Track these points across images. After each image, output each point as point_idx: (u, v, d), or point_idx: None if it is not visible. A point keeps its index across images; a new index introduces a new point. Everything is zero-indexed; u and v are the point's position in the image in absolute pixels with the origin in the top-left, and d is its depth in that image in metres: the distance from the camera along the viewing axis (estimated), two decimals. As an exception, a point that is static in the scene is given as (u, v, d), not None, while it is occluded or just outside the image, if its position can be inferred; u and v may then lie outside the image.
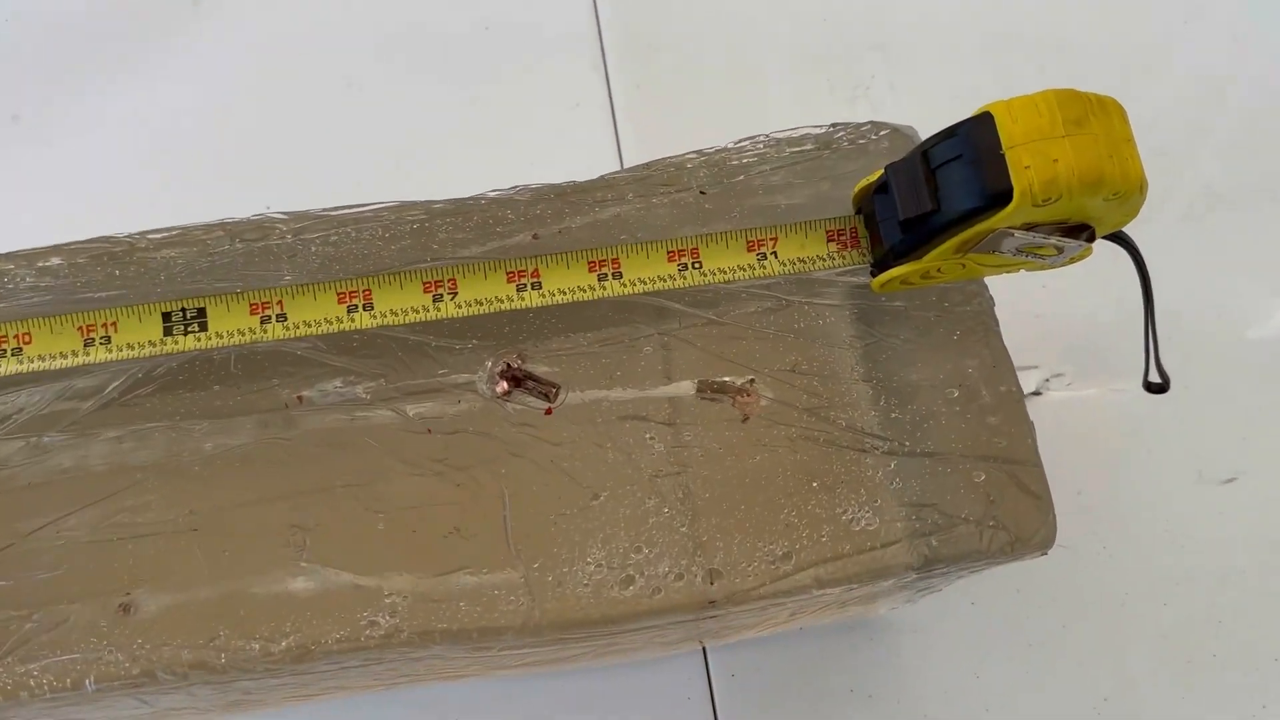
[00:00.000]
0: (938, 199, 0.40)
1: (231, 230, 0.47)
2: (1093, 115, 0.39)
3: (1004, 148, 0.38)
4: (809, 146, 0.49)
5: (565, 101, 0.67)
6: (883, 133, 0.49)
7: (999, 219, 0.39)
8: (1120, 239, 0.45)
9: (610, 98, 0.68)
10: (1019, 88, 0.40)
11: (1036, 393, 0.66)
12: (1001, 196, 0.39)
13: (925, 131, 0.42)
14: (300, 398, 0.45)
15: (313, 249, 0.47)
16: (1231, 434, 0.65)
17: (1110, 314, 0.68)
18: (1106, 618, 0.61)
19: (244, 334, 0.43)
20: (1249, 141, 0.72)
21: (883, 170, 0.42)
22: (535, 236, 0.48)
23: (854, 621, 0.59)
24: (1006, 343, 0.62)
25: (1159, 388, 0.52)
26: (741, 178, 0.49)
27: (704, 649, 0.58)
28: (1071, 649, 0.61)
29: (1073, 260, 0.44)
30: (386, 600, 0.43)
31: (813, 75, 0.71)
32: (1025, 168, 0.38)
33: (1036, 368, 0.67)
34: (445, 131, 0.66)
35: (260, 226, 0.47)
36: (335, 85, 0.67)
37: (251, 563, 0.43)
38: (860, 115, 0.71)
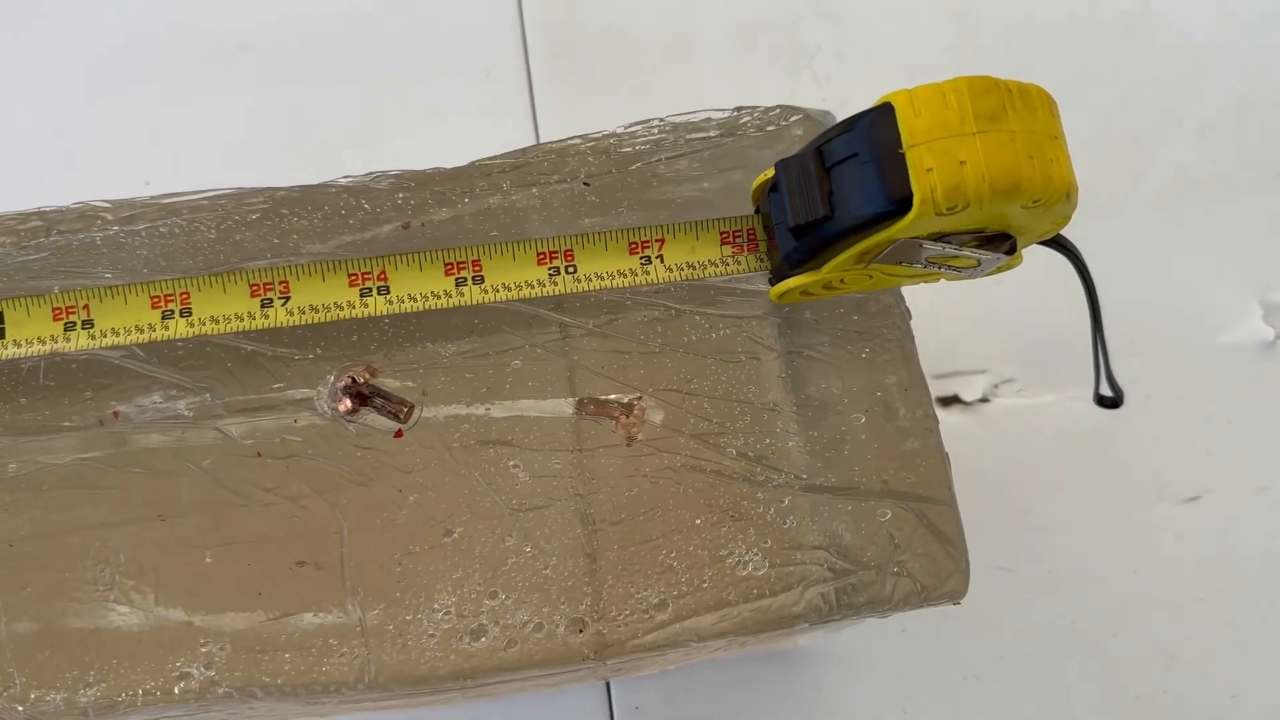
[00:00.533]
0: (831, 203, 0.35)
1: (50, 219, 0.42)
2: (1011, 108, 0.33)
3: (904, 146, 0.33)
4: (712, 133, 0.43)
5: (474, 69, 0.61)
6: (794, 118, 0.43)
7: (898, 228, 0.33)
8: (1057, 244, 0.40)
9: (527, 65, 0.62)
10: (981, 64, 0.34)
11: (984, 399, 0.60)
12: (900, 203, 0.33)
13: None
14: (116, 414, 0.40)
15: (139, 242, 0.41)
16: (1196, 448, 0.60)
17: (1070, 313, 0.62)
18: (1050, 648, 0.56)
19: (44, 342, 0.38)
20: (1229, 123, 0.66)
21: (774, 167, 0.37)
22: (406, 225, 0.42)
23: (771, 651, 0.54)
24: (953, 342, 0.57)
25: (1110, 402, 0.47)
26: (636, 166, 0.43)
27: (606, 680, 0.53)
28: (1010, 682, 0.56)
29: (999, 270, 0.39)
30: (202, 650, 0.37)
31: (753, 44, 0.65)
32: (927, 170, 0.32)
33: (984, 372, 0.61)
34: (333, 101, 0.60)
35: (83, 215, 0.42)
36: (227, 50, 0.61)
37: (55, 600, 0.38)
38: (804, 90, 0.65)
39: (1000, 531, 0.58)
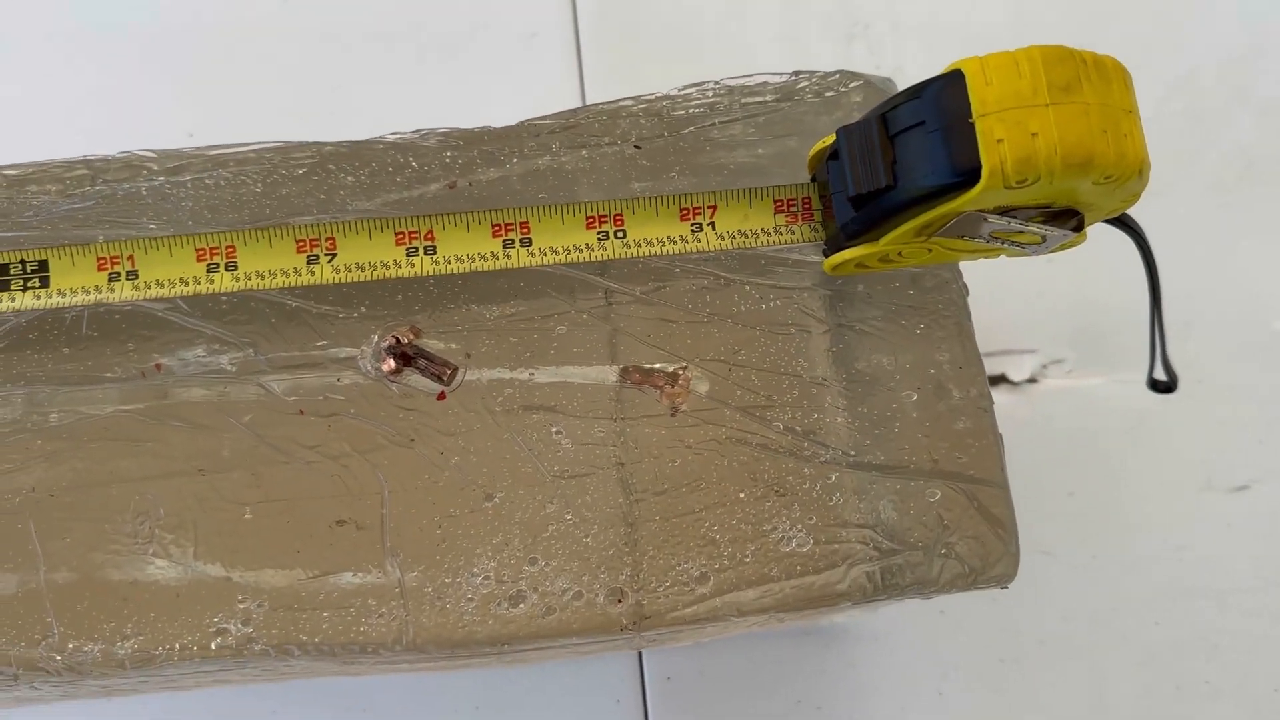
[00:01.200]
0: (894, 173, 0.34)
1: (95, 168, 0.41)
2: (1085, 79, 0.31)
3: (974, 115, 0.31)
4: (768, 97, 0.42)
5: (519, 29, 0.60)
6: (854, 84, 0.42)
7: (964, 201, 0.32)
8: (1122, 223, 0.38)
9: (576, 26, 0.61)
10: (1040, 36, 0.33)
11: (1032, 379, 0.59)
12: (968, 174, 0.32)
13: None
14: (159, 366, 0.39)
15: (184, 194, 0.41)
16: (1248, 437, 0.58)
17: (1123, 295, 0.60)
18: (1090, 634, 0.55)
19: (89, 292, 0.38)
20: (1296, 103, 0.64)
21: (835, 134, 0.36)
22: (452, 185, 0.41)
23: (807, 626, 0.53)
24: (1003, 321, 0.56)
25: (1165, 387, 0.45)
26: (689, 130, 0.42)
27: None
28: (1048, 667, 0.55)
29: (1062, 248, 0.37)
30: (240, 605, 0.37)
31: (806, 11, 0.63)
32: (997, 141, 0.31)
33: (1034, 351, 0.60)
34: (376, 61, 0.59)
35: (128, 165, 0.41)
36: (271, 6, 0.61)
37: (94, 552, 0.38)
38: (856, 58, 0.63)
39: (1043, 515, 0.57)
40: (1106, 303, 0.60)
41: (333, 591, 0.37)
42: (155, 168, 0.41)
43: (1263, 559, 0.56)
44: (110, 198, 0.41)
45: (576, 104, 0.60)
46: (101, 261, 0.38)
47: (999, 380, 0.59)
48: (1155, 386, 0.46)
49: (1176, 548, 0.57)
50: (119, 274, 0.38)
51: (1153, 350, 0.44)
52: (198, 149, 0.41)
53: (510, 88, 0.59)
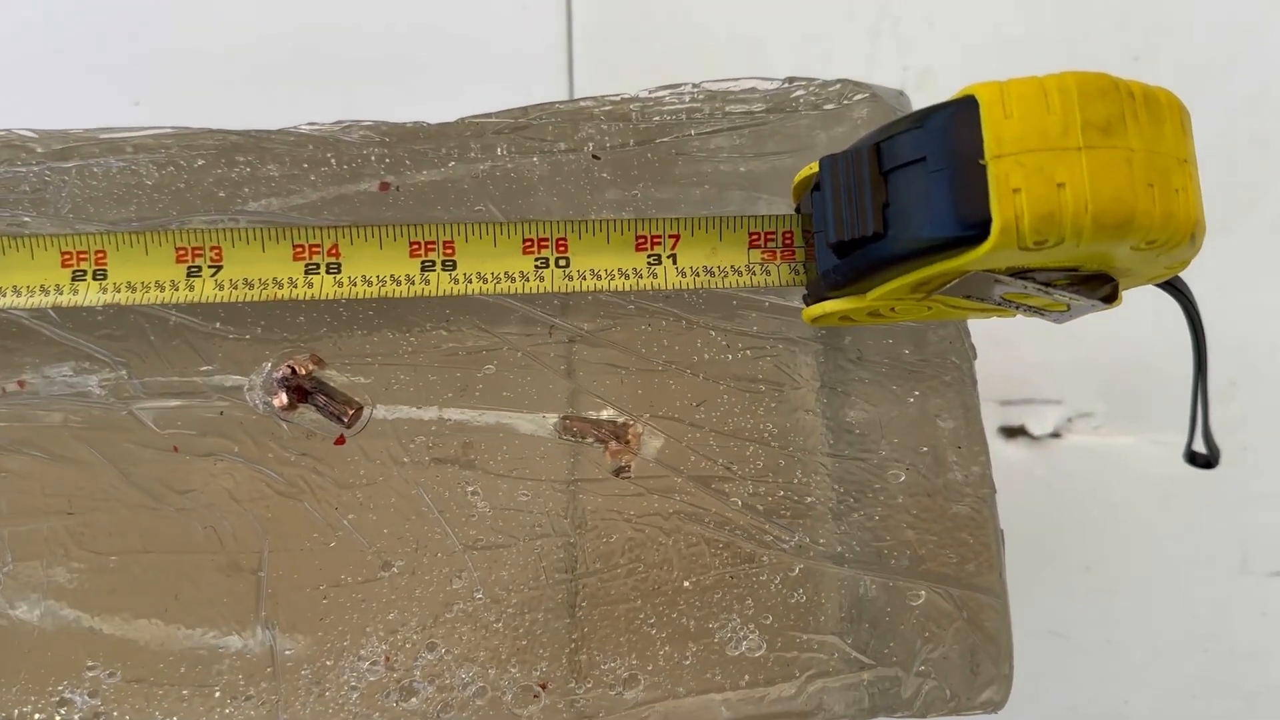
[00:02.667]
0: (885, 218, 0.27)
1: (-32, 146, 0.35)
2: (1131, 118, 0.25)
3: (986, 155, 0.25)
4: (756, 106, 0.36)
5: (509, 6, 0.53)
6: (857, 96, 0.36)
7: (969, 260, 0.26)
8: (1167, 284, 0.32)
9: (569, 10, 0.54)
10: (1092, 44, 0.26)
11: (1055, 434, 0.52)
12: (975, 229, 0.25)
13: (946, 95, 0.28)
14: (21, 383, 0.34)
15: (67, 183, 0.35)
16: (1294, 515, 0.51)
17: (1164, 345, 0.54)
18: (1100, 728, 0.49)
19: (-68, 295, 0.32)
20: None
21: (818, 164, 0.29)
22: (385, 187, 0.35)
23: None
24: (1026, 366, 0.49)
25: (1205, 462, 0.39)
26: (664, 140, 0.36)
27: None
28: (1049, 764, 0.49)
29: (1095, 309, 0.31)
30: (89, 674, 0.32)
31: None
32: (1014, 191, 0.25)
33: (1059, 403, 0.53)
34: (351, 26, 0.53)
35: (7, 145, 0.36)
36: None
37: (-72, 597, 0.32)
38: (883, 56, 0.56)
39: (1055, 589, 0.50)
40: (1144, 353, 0.53)
41: (195, 664, 0.32)
42: (39, 150, 0.35)
43: (1302, 655, 0.50)
44: (-17, 181, 0.35)
45: (563, 89, 0.53)
46: (-49, 259, 0.32)
47: (1018, 432, 0.53)
48: (1194, 460, 0.39)
49: (1203, 637, 0.50)
50: (-30, 275, 0.32)
51: (1193, 422, 0.38)
52: (87, 130, 0.35)
53: (492, 64, 0.52)
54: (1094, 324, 0.53)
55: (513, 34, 0.53)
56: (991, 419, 0.53)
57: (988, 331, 0.51)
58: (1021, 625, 0.50)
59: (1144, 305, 0.53)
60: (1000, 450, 0.52)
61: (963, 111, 0.26)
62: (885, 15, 0.57)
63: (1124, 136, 0.25)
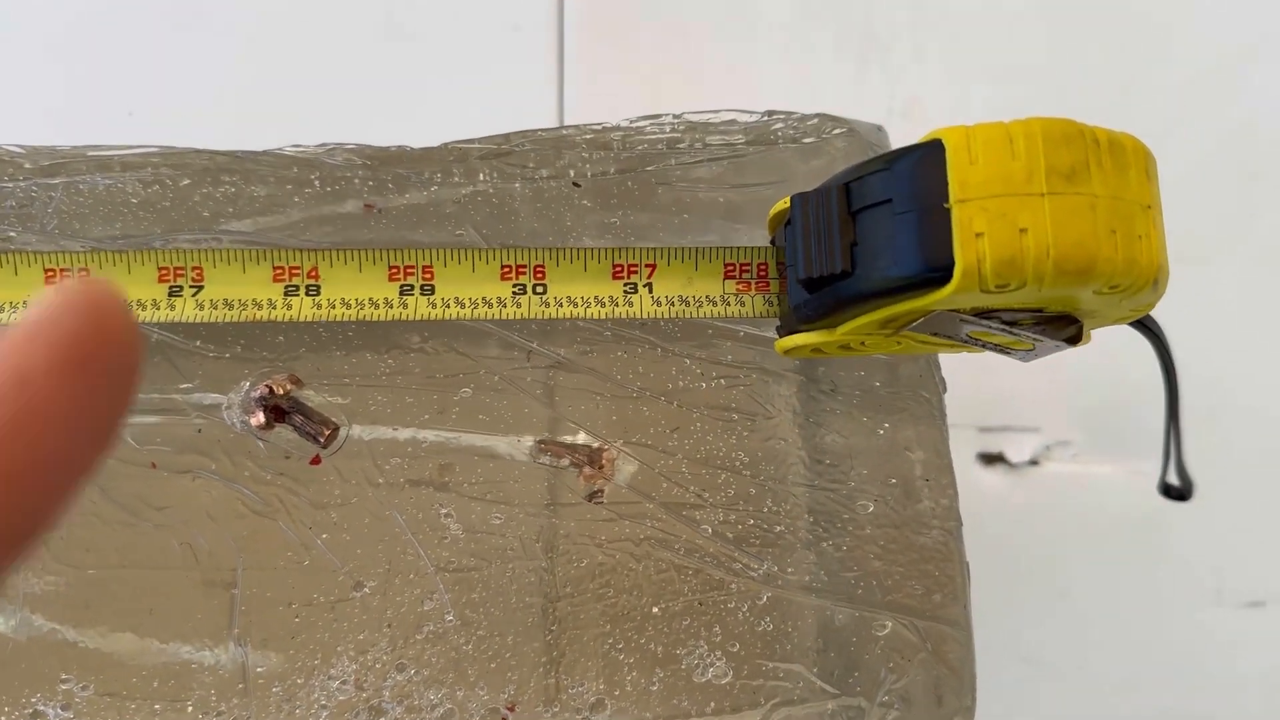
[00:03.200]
0: (853, 257, 0.27)
1: (-44, 160, 0.36)
2: (1096, 165, 0.25)
3: (951, 199, 0.25)
4: (737, 138, 0.36)
5: (501, 20, 0.54)
6: (835, 131, 0.36)
7: (933, 301, 0.26)
8: (1137, 323, 0.32)
9: (561, 23, 0.55)
10: (1080, 74, 0.27)
11: (1033, 462, 0.53)
12: (938, 271, 0.26)
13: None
14: None
15: (53, 199, 0.35)
16: (1268, 547, 0.52)
17: (1143, 374, 0.54)
18: (1070, 758, 0.49)
19: (-84, 308, 0.32)
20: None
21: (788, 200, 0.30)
22: (370, 208, 0.36)
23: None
24: (1004, 394, 0.50)
25: (1178, 494, 0.39)
26: (645, 170, 0.36)
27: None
28: (1020, 792, 0.49)
29: (1059, 349, 0.31)
30: (63, 686, 0.32)
31: (819, 25, 0.57)
32: (976, 235, 0.25)
33: (1037, 430, 0.53)
34: (344, 46, 0.54)
35: (-6, 159, 0.36)
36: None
37: (-96, 607, 0.33)
38: (870, 86, 0.57)
39: (1029, 616, 0.51)
40: (1124, 382, 0.54)
41: (169, 679, 0.32)
42: (26, 165, 0.36)
43: (1276, 686, 0.50)
44: (-30, 195, 0.36)
45: (553, 112, 0.54)
46: (-64, 273, 0.32)
47: (996, 459, 0.53)
48: (1168, 493, 0.40)
49: (1177, 667, 0.50)
50: (-46, 289, 0.32)
51: (1166, 455, 0.39)
52: (75, 148, 0.36)
53: (483, 84, 0.53)
54: (1073, 353, 0.53)
55: (504, 57, 0.54)
56: (970, 445, 0.53)
57: (967, 357, 0.52)
58: (995, 651, 0.50)
59: (1123, 335, 0.53)
60: (978, 477, 0.53)
61: (929, 155, 0.26)
62: (874, 45, 0.57)
63: (1088, 183, 0.25)
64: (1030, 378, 0.54)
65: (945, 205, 0.26)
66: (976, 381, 0.53)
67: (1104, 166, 0.26)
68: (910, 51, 0.58)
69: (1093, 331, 0.37)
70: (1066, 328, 0.28)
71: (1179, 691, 0.50)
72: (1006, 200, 0.25)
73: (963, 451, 0.53)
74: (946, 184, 0.26)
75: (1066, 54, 0.59)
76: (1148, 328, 0.32)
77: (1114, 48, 0.58)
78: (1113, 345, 0.52)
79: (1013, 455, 0.53)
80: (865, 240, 0.27)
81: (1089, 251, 0.25)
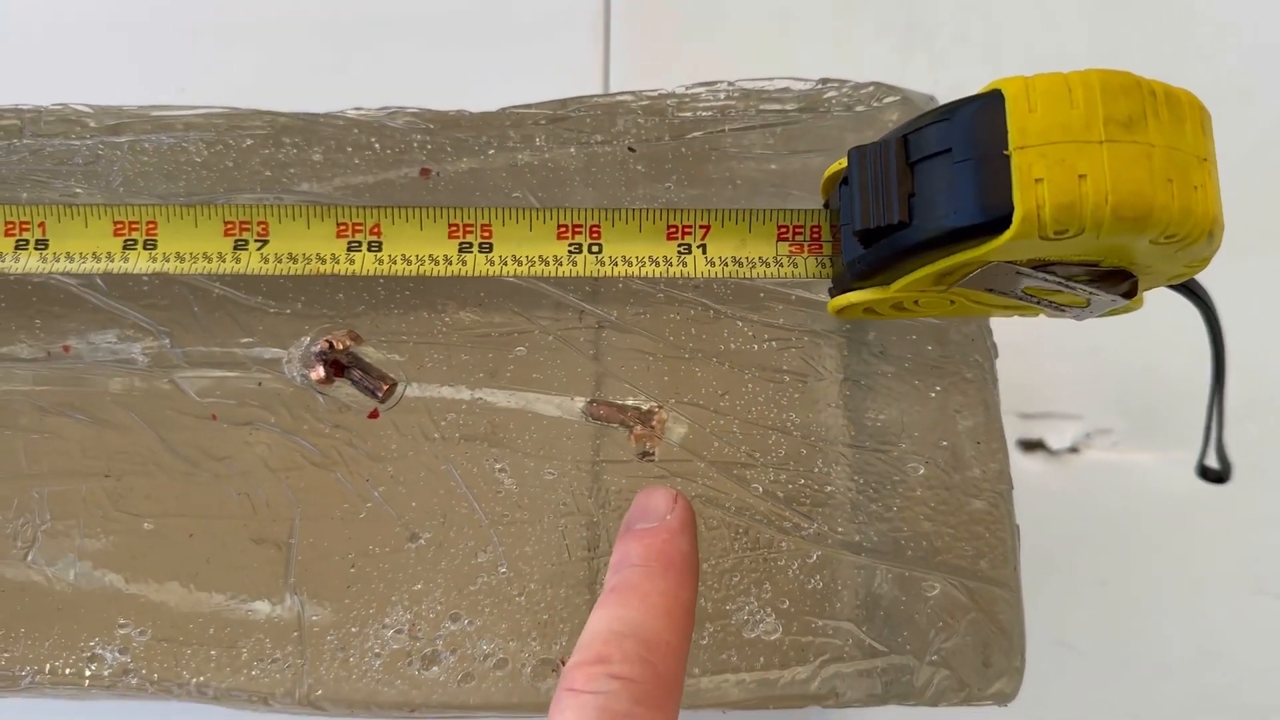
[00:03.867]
0: (910, 208, 0.28)
1: (26, 119, 0.37)
2: (1152, 116, 0.26)
3: (1010, 147, 0.26)
4: (789, 106, 0.37)
5: (545, 6, 0.55)
6: (889, 99, 0.36)
7: (990, 249, 0.27)
8: (1186, 289, 0.32)
9: (608, 10, 0.55)
10: (1128, 58, 0.27)
11: (1073, 449, 0.53)
12: (997, 218, 0.26)
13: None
14: (66, 348, 0.35)
15: (118, 157, 0.36)
16: (1311, 538, 0.51)
17: (1189, 364, 0.54)
18: (1110, 743, 0.49)
19: (-11, 259, 0.33)
20: None
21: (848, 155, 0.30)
22: (426, 173, 0.36)
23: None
24: (1046, 380, 0.50)
25: (1216, 476, 0.39)
26: (696, 136, 0.37)
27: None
28: (1058, 775, 0.49)
29: (1114, 313, 0.32)
30: (120, 630, 0.33)
31: (862, 10, 0.58)
32: (1035, 181, 0.25)
33: (1079, 418, 0.53)
34: (383, 19, 0.54)
35: (63, 119, 0.37)
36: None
37: (-30, 552, 0.33)
38: (914, 72, 0.57)
39: (1067, 602, 0.50)
40: (1167, 370, 0.54)
41: (224, 626, 0.33)
42: (92, 124, 0.37)
43: (1317, 678, 0.50)
44: (39, 153, 0.36)
45: (598, 87, 0.54)
46: (10, 226, 0.33)
47: (1036, 446, 0.53)
48: (1205, 474, 0.40)
49: (1214, 654, 0.50)
50: (27, 241, 0.33)
51: (1207, 434, 0.39)
52: (139, 107, 0.37)
53: (525, 56, 0.53)
54: (1117, 340, 0.54)
55: (551, 23, 0.55)
56: (1010, 432, 0.53)
57: (1009, 342, 0.52)
58: (1032, 635, 0.50)
59: (1167, 322, 0.53)
60: (1018, 463, 0.53)
61: (989, 105, 0.27)
62: (917, 31, 0.58)
63: (1145, 132, 0.26)
64: (1072, 365, 0.54)
65: (1005, 152, 0.26)
66: (1019, 367, 0.53)
67: (1160, 117, 0.26)
68: (953, 39, 0.58)
69: (1136, 315, 0.37)
70: (1121, 283, 0.29)
71: (1217, 679, 0.50)
72: (1065, 147, 0.25)
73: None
74: (1006, 132, 0.26)
75: (1108, 44, 0.59)
76: (1196, 294, 0.32)
77: (1159, 36, 0.59)
78: (1157, 333, 0.52)
79: (1053, 442, 0.53)
80: (923, 191, 0.28)
81: (1146, 198, 0.25)
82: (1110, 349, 0.54)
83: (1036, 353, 0.53)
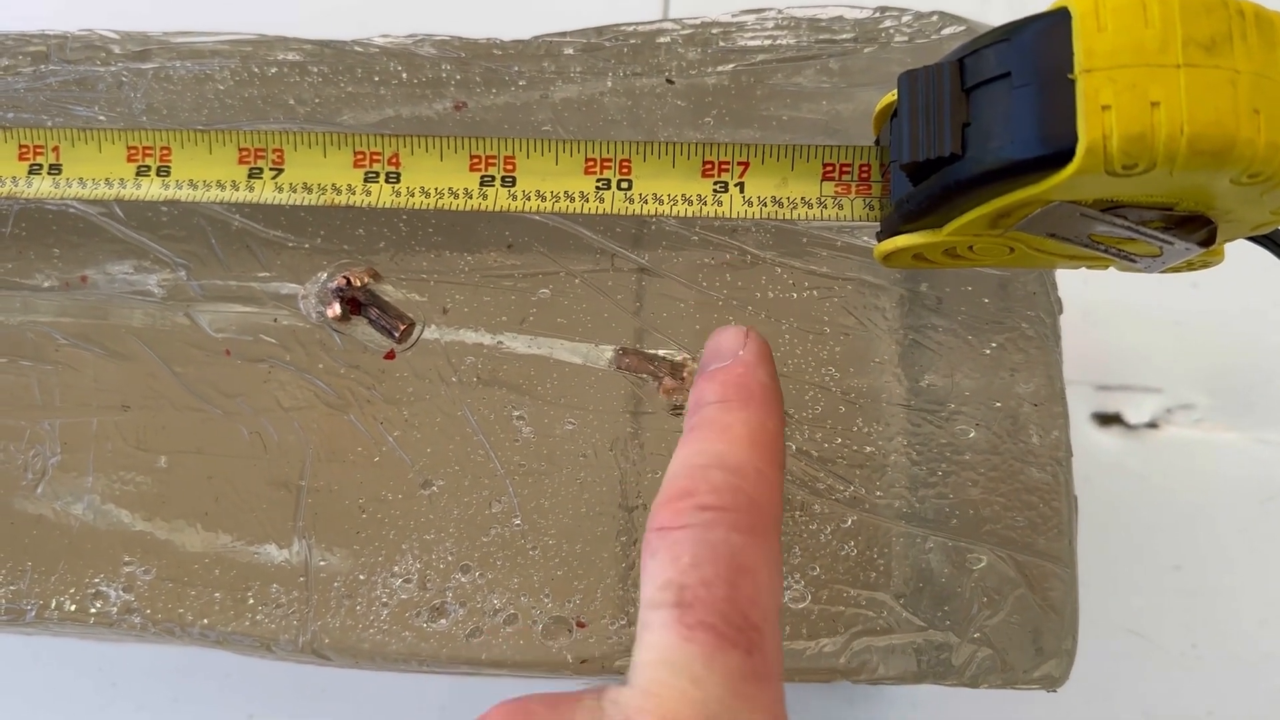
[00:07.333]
0: (964, 138, 0.25)
1: (53, 45, 0.36)
2: (1239, 38, 0.23)
3: (1076, 70, 0.23)
4: (844, 35, 0.34)
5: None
6: (951, 29, 0.34)
7: (1051, 186, 0.24)
8: (1272, 241, 0.29)
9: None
10: None
11: (1152, 424, 0.49)
12: (1060, 150, 0.23)
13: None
14: (84, 278, 0.34)
15: (142, 84, 0.35)
16: None
17: (1276, 339, 0.50)
18: (1178, 736, 0.46)
19: (3, 184, 0.32)
20: None
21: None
22: (460, 106, 0.35)
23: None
24: (1126, 349, 0.47)
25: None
26: (739, 67, 0.34)
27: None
28: (1121, 769, 0.46)
29: (1190, 267, 0.29)
30: (125, 569, 0.32)
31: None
32: (1103, 108, 0.23)
33: (1160, 391, 0.50)
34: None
35: (88, 45, 0.36)
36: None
37: (-19, 484, 0.33)
38: (994, 7, 0.54)
39: (1139, 586, 0.47)
40: (1258, 343, 0.50)
41: (230, 568, 0.31)
42: (117, 50, 0.36)
43: None
44: (64, 80, 0.35)
45: (657, 12, 0.52)
46: (24, 150, 0.32)
47: (1113, 420, 0.50)
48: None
49: (1299, 650, 0.47)
50: (40, 166, 0.32)
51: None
52: (165, 33, 0.35)
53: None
54: (1203, 309, 0.50)
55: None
56: (1086, 404, 0.50)
57: (1087, 311, 0.49)
58: (1101, 619, 0.47)
59: (1254, 291, 0.50)
60: (1093, 438, 0.50)
61: (1054, 24, 0.24)
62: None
63: (1229, 57, 0.23)
64: (1154, 335, 0.51)
65: (1070, 76, 0.23)
66: (1096, 335, 0.50)
67: (1249, 40, 0.23)
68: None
69: (1225, 282, 0.34)
70: (1199, 230, 0.26)
71: (1295, 676, 0.46)
72: (1137, 71, 0.23)
73: (1078, 410, 0.49)
74: (1070, 54, 0.23)
75: None
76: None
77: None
78: (1244, 301, 0.49)
79: (1131, 416, 0.50)
80: (979, 120, 0.25)
81: (1227, 130, 0.22)
82: (1196, 319, 0.51)
83: (1116, 321, 0.50)
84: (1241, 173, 0.23)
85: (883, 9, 0.34)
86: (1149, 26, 0.23)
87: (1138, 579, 0.48)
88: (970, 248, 0.28)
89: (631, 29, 0.34)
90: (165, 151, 0.32)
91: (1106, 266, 0.29)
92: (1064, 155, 0.23)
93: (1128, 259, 0.28)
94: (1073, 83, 0.23)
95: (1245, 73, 0.23)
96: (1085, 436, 0.49)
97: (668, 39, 0.34)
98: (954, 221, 0.27)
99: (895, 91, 0.28)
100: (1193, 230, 0.26)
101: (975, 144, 0.25)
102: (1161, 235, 0.26)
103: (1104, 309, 0.49)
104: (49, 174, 0.32)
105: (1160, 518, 0.48)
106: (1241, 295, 0.50)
